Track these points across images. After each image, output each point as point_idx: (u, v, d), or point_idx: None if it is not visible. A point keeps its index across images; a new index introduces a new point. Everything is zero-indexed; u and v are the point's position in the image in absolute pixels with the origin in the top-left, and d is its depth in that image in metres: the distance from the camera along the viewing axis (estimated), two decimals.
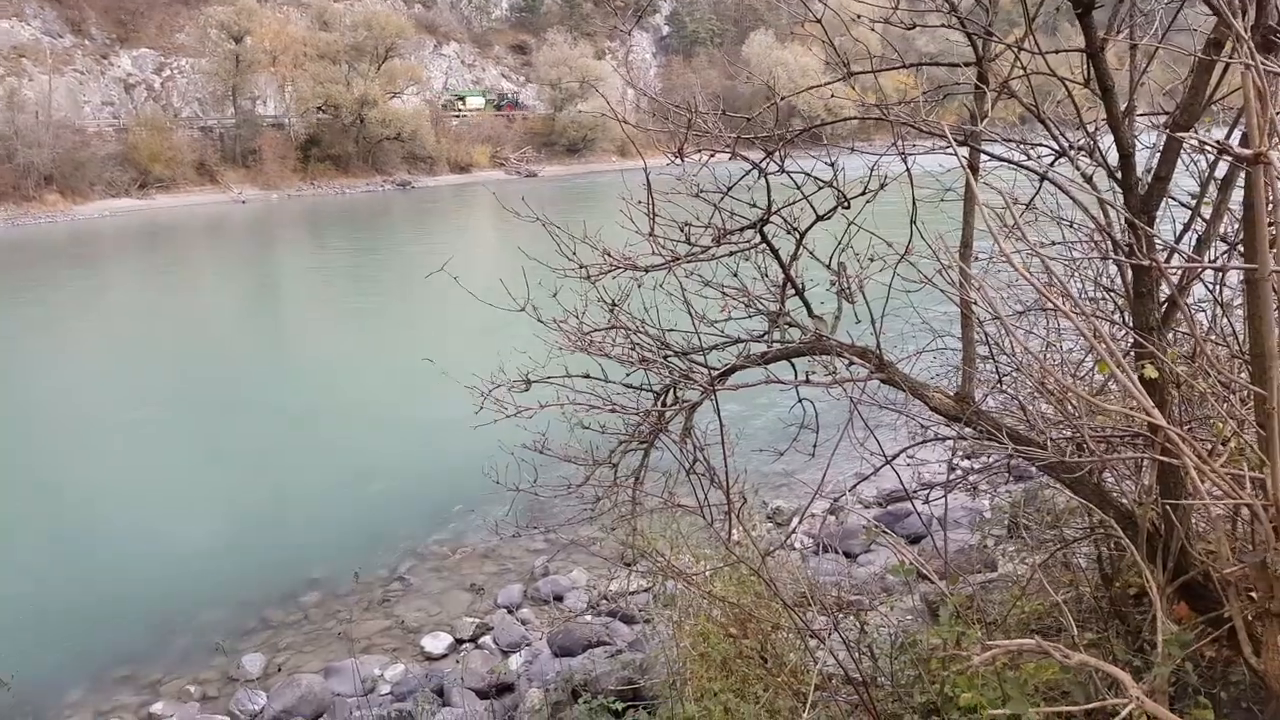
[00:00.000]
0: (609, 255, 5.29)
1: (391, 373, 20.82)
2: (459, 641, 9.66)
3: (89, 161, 60.06)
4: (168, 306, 32.62)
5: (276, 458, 16.02)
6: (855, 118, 4.51)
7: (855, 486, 5.09)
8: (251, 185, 67.76)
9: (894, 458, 4.16)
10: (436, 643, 9.59)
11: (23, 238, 50.69)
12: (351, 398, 19.28)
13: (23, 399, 20.60)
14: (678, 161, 4.34)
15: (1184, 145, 3.31)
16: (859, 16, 4.30)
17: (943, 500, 5.29)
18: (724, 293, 4.80)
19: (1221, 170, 3.57)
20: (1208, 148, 2.50)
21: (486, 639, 9.62)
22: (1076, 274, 4.52)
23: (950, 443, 4.62)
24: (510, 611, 10.11)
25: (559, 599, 10.19)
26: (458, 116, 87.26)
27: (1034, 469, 4.52)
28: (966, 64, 4.11)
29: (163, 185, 63.12)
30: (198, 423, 18.43)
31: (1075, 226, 4.46)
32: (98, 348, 26.22)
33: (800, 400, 4.35)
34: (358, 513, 13.20)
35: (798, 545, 9.78)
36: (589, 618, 9.44)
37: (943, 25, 3.93)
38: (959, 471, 6.83)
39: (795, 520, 10.06)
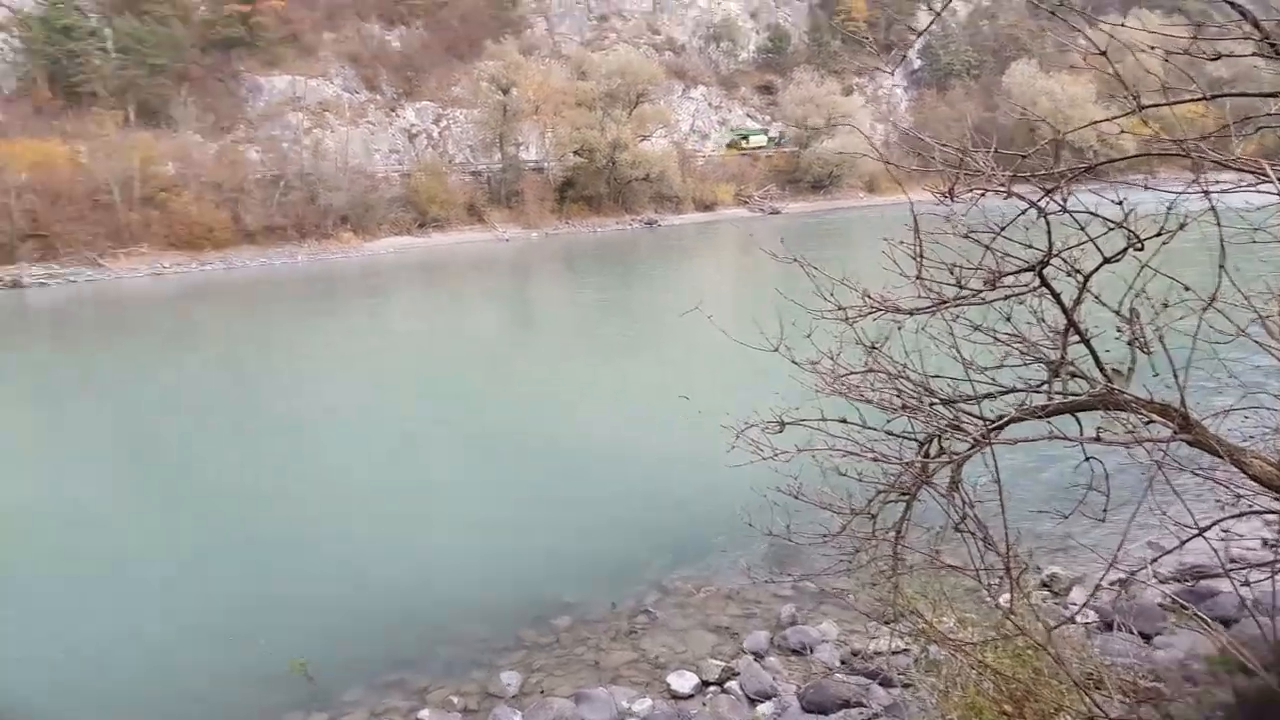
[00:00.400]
0: (869, 297, 5.19)
1: (643, 405, 21.54)
2: (705, 683, 9.64)
3: (377, 203, 67.59)
4: (440, 331, 35.90)
5: (533, 481, 16.95)
6: (1151, 154, 4.17)
7: (1158, 559, 4.63)
8: (514, 224, 73.21)
9: (1206, 529, 3.75)
10: (683, 681, 9.62)
11: (323, 270, 57.77)
12: (605, 427, 20.07)
13: (318, 407, 23.35)
14: (946, 201, 4.22)
15: None
16: (1152, 47, 4.00)
17: (1267, 582, 4.68)
18: (997, 338, 4.58)
19: None
20: None
21: (733, 684, 9.52)
22: None
23: (1275, 517, 4.11)
24: (757, 658, 9.97)
25: (808, 651, 9.95)
26: (704, 156, 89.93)
27: None
28: (1273, 94, 3.71)
29: (438, 224, 69.73)
30: (464, 442, 19.98)
31: None
32: (380, 365, 29.21)
33: (1087, 459, 4.04)
34: (607, 542, 13.67)
35: (1081, 619, 8.94)
36: (842, 675, 9.14)
37: (1254, 55, 3.56)
38: None
39: (1080, 591, 9.23)
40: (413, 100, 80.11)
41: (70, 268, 55.84)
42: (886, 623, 7.94)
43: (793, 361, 4.96)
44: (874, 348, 4.84)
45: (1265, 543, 4.93)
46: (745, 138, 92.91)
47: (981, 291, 4.34)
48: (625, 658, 10.33)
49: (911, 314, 4.47)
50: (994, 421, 4.20)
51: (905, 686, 7.70)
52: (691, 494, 14.70)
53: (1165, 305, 4.04)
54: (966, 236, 4.20)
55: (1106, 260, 4.00)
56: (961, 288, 4.32)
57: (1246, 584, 5.41)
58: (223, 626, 11.83)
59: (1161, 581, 10.40)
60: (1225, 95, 4.21)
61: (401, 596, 12.37)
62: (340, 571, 13.40)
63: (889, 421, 4.79)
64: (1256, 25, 3.41)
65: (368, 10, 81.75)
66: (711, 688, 9.56)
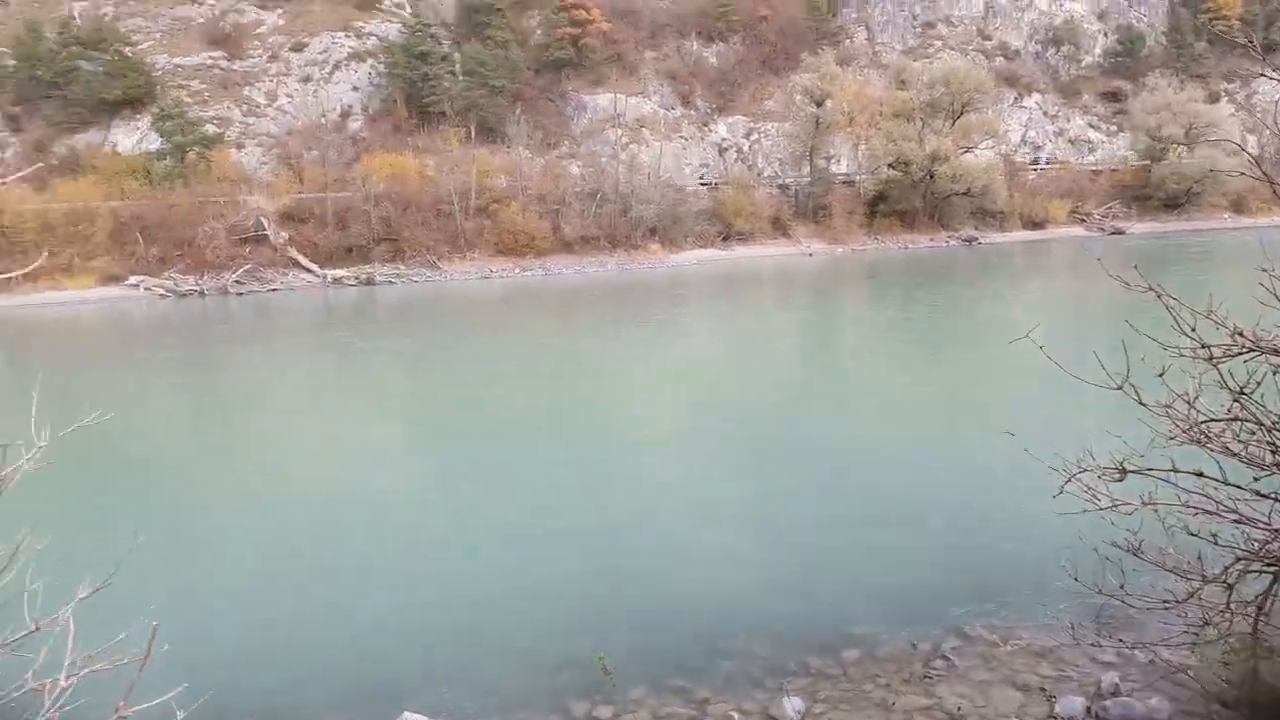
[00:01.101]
0: (1240, 335, 4.70)
1: (955, 434, 20.67)
2: None
3: (685, 216, 70.32)
4: (739, 342, 36.68)
5: (828, 499, 16.82)
6: None
7: None
8: (819, 239, 72.94)
9: None
10: None
11: (630, 279, 61.10)
12: (911, 452, 19.49)
13: (623, 407, 24.75)
14: None
15: None
16: None
17: None
18: None
19: None
20: None
21: None
22: None
23: None
24: None
25: None
26: (1036, 169, 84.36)
27: None
28: None
29: (742, 238, 71.20)
30: (763, 453, 20.25)
31: None
32: (681, 371, 30.36)
33: None
34: (905, 575, 13.26)
35: None
36: None
37: None
38: None
39: None
40: (725, 115, 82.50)
41: (413, 269, 63.54)
42: (1237, 710, 6.98)
43: (1139, 402, 4.58)
44: (1242, 393, 4.37)
45: None
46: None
47: None
48: (918, 703, 9.96)
49: None
50: None
51: None
52: (1004, 536, 13.88)
53: None
54: None
55: None
56: None
57: None
58: (534, 611, 12.93)
59: None
60: None
61: (692, 602, 12.81)
62: (644, 568, 14.11)
63: (1257, 480, 4.28)
64: None
65: (688, 28, 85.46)
66: None
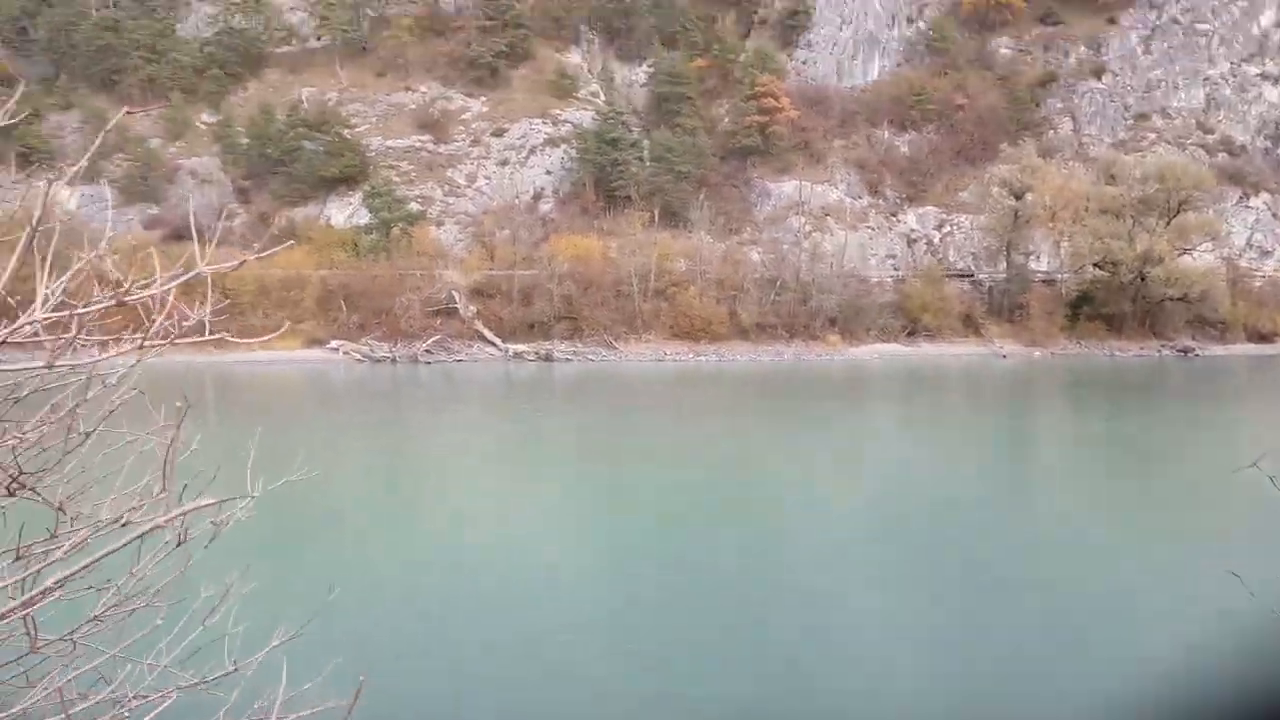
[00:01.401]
0: None
1: (1179, 576, 18.52)
2: None
3: (868, 308, 68.79)
4: (922, 452, 34.73)
5: (1039, 626, 15.28)
6: None
7: None
8: (1013, 340, 69.44)
9: None
10: None
11: (807, 370, 59.95)
12: (1107, 591, 17.57)
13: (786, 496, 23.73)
14: None
15: None
16: None
17: None
18: None
19: None
20: None
21: None
22: None
23: None
24: None
25: None
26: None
27: None
28: None
29: (928, 333, 68.78)
30: (958, 574, 18.76)
31: None
32: (857, 477, 28.97)
33: None
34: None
35: None
36: None
37: None
38: None
39: None
40: (915, 206, 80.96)
41: (590, 347, 64.89)
42: None
43: None
44: None
45: None
46: None
47: None
48: None
49: None
50: None
51: None
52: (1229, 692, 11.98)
53: None
54: None
55: None
56: None
57: None
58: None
59: None
60: None
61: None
62: (825, 684, 13.09)
63: None
64: None
65: (880, 116, 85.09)
66: None
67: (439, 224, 75.53)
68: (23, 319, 2.68)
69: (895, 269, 76.02)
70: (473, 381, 55.04)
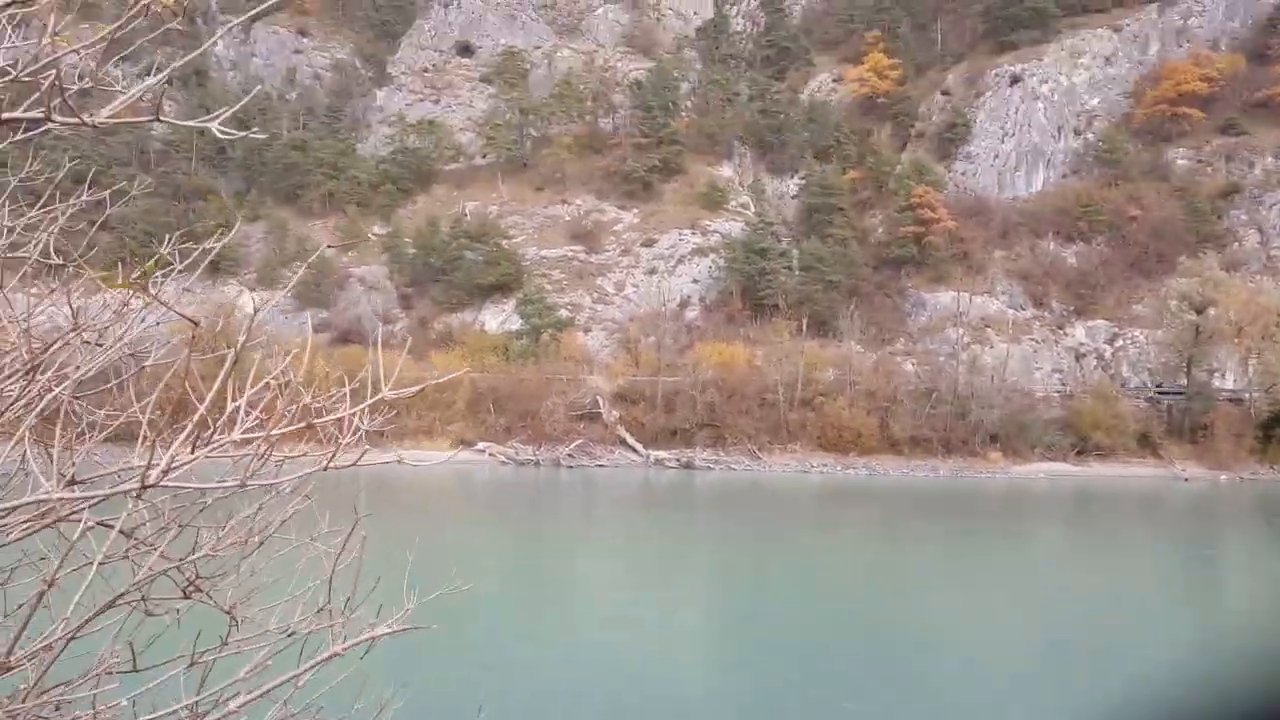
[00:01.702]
0: None
1: None
2: None
3: (1032, 424, 65.51)
4: (1092, 578, 32.15)
5: None
6: None
7: None
8: (1196, 462, 64.47)
9: None
10: None
11: (965, 489, 57.17)
12: None
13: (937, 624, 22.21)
14: None
15: None
16: None
17: None
18: None
19: None
20: None
21: None
22: None
23: None
24: None
25: None
26: None
27: None
28: None
29: (1100, 453, 64.72)
30: None
31: None
32: (1026, 605, 26.99)
33: None
34: None
35: None
36: None
37: None
38: None
39: None
40: (1084, 318, 77.41)
41: (733, 456, 64.21)
42: None
43: None
44: None
45: None
46: None
47: None
48: None
49: None
50: None
51: None
52: None
53: None
54: None
55: None
56: None
57: None
58: None
59: None
60: None
61: None
62: None
63: None
64: None
65: (1044, 227, 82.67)
66: None
67: (587, 330, 77.49)
68: (220, 439, 2.86)
69: (1063, 384, 72.41)
70: (613, 486, 55.24)
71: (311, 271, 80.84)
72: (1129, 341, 74.89)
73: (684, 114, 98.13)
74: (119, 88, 2.93)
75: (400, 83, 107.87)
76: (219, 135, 2.91)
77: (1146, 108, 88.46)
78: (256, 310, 3.24)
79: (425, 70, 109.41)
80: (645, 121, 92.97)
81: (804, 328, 73.81)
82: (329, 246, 79.44)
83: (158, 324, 3.67)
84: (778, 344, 69.75)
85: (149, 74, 3.12)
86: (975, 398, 65.99)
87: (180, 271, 3.56)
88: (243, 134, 3.08)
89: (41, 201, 3.74)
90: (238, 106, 3.13)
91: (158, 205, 78.47)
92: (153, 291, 3.04)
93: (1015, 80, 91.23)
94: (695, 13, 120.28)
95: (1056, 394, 70.18)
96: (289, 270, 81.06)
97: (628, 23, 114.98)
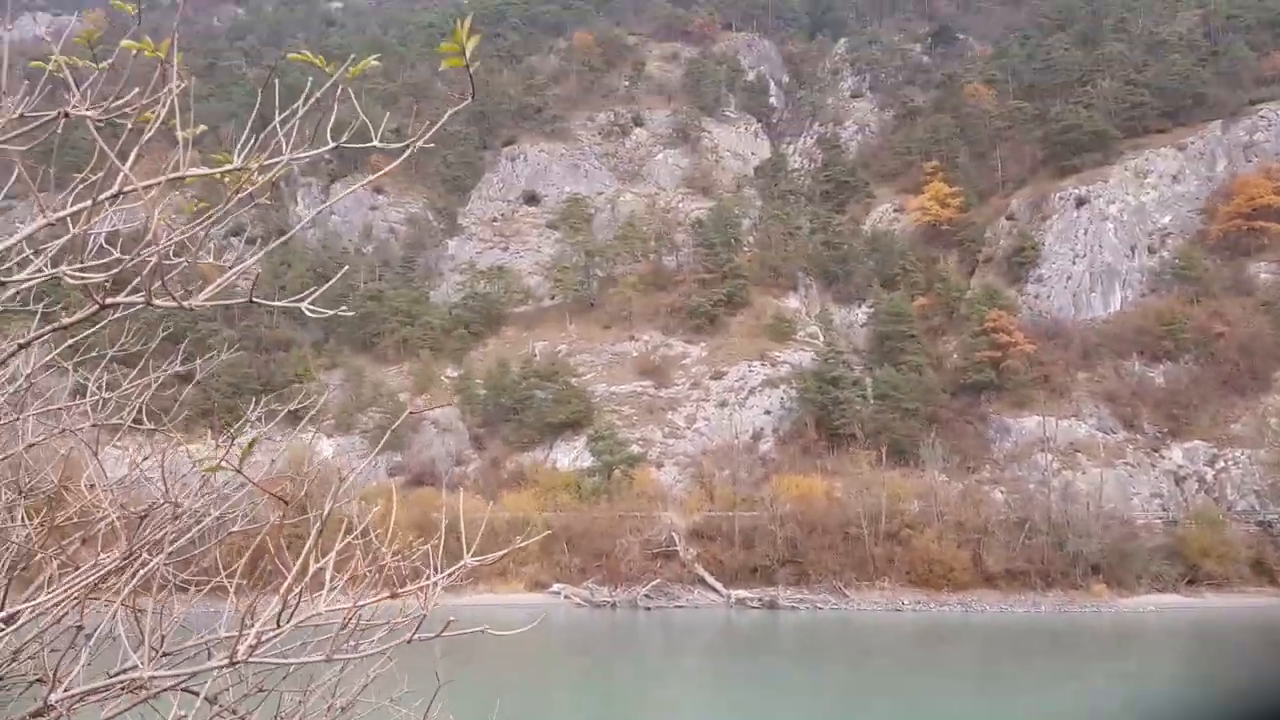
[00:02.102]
0: None
1: None
2: None
3: (1135, 553, 61.71)
4: None
5: None
6: None
7: None
8: None
9: None
10: None
11: (1068, 625, 53.49)
12: None
13: None
14: None
15: None
16: None
17: None
18: None
19: None
20: None
21: None
22: None
23: None
24: None
25: None
26: None
27: None
28: None
29: (1212, 582, 60.41)
30: None
31: None
32: None
33: None
34: None
35: None
36: None
37: None
38: None
39: None
40: (1180, 440, 73.80)
41: (817, 594, 61.41)
42: None
43: None
44: None
45: None
46: None
47: None
48: None
49: None
50: None
51: None
52: None
53: None
54: None
55: None
56: None
57: None
58: None
59: None
60: None
61: None
62: None
63: None
64: None
65: (1127, 348, 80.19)
66: None
67: (659, 465, 76.35)
68: (308, 612, 2.93)
69: (1164, 509, 68.49)
70: (694, 630, 52.97)
71: (386, 415, 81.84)
72: (1230, 463, 70.86)
73: (746, 249, 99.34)
74: (210, 258, 3.14)
75: (470, 232, 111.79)
76: (308, 313, 3.11)
77: (1221, 223, 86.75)
78: (342, 479, 3.29)
79: (494, 219, 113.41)
80: (708, 257, 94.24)
81: (883, 457, 71.59)
82: (412, 413, 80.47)
83: (243, 487, 3.76)
84: (857, 475, 67.67)
85: (235, 235, 3.07)
86: (1071, 526, 62.66)
87: (258, 423, 3.99)
88: (330, 312, 3.21)
89: (137, 370, 4.10)
90: (324, 287, 3.31)
91: (241, 358, 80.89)
92: (237, 453, 3.13)
93: (1081, 202, 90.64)
94: (753, 153, 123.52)
95: (1158, 520, 66.33)
96: (364, 415, 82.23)
97: (687, 166, 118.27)
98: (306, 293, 3.12)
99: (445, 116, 3.16)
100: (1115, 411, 76.24)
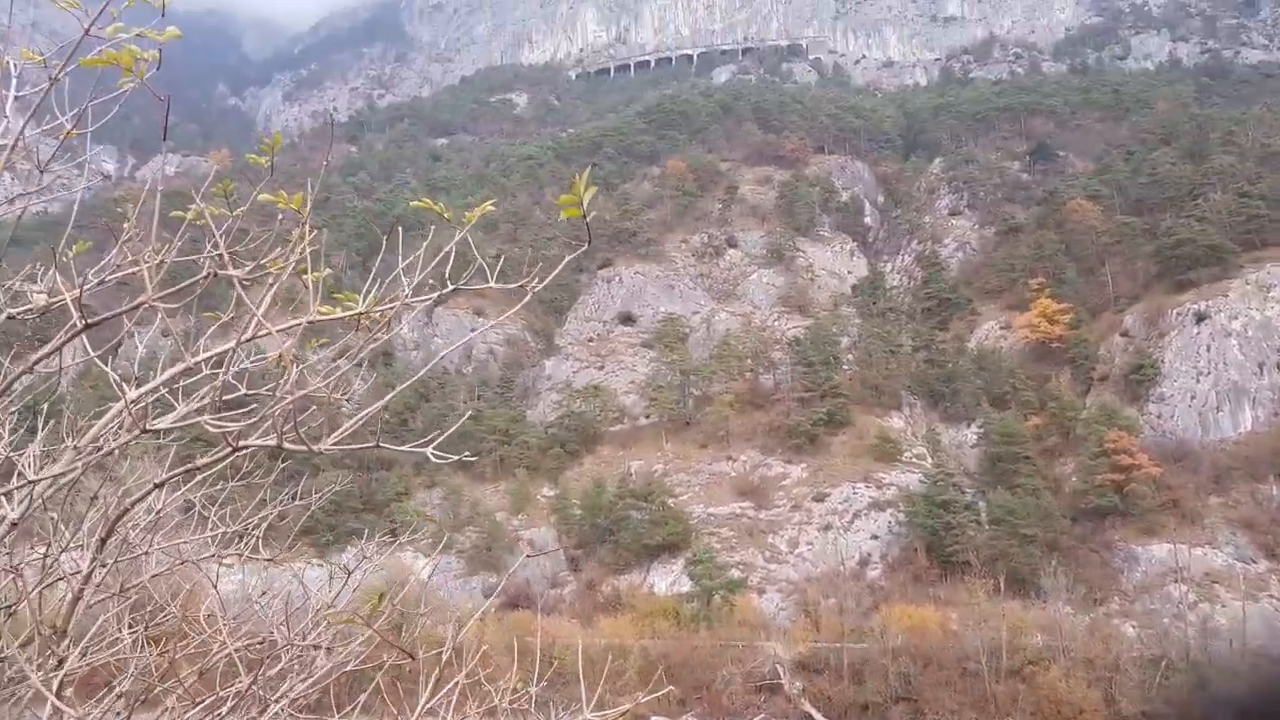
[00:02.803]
0: None
1: None
2: None
3: None
4: None
5: None
6: None
7: None
8: None
9: None
10: None
11: None
12: None
13: None
14: None
15: None
16: None
17: None
18: None
19: None
20: None
21: None
22: None
23: None
24: None
25: None
26: None
27: None
28: None
29: None
30: None
31: None
32: None
33: None
34: None
35: None
36: None
37: None
38: None
39: None
40: None
41: None
42: None
43: None
44: None
45: None
46: None
47: None
48: None
49: None
50: None
51: None
52: None
53: None
54: None
55: None
56: None
57: None
58: None
59: None
60: None
61: None
62: None
63: None
64: None
65: (1262, 470, 75.24)
66: None
67: (761, 591, 73.74)
68: None
69: None
70: None
71: (483, 535, 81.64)
72: None
73: (846, 367, 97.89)
74: (340, 399, 3.43)
75: (567, 352, 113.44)
76: (433, 458, 3.31)
77: None
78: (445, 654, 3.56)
79: (590, 340, 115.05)
80: (807, 376, 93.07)
81: (1000, 587, 67.58)
82: (528, 556, 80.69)
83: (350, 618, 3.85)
84: (973, 605, 63.85)
85: (342, 355, 3.45)
86: (1213, 665, 57.40)
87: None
88: (454, 457, 3.33)
89: (255, 503, 4.34)
90: (445, 435, 3.49)
91: (342, 475, 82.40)
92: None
93: (1201, 318, 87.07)
94: (849, 271, 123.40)
95: None
96: (462, 534, 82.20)
97: (783, 285, 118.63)
98: (431, 436, 3.37)
99: (562, 264, 3.49)
100: (1254, 539, 70.91)
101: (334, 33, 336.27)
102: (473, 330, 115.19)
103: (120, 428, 3.20)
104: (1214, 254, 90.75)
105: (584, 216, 3.06)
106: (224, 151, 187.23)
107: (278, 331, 3.09)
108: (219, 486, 4.17)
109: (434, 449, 3.19)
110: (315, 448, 3.04)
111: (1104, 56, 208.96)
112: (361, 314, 3.17)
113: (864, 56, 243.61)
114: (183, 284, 3.16)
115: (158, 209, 3.06)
